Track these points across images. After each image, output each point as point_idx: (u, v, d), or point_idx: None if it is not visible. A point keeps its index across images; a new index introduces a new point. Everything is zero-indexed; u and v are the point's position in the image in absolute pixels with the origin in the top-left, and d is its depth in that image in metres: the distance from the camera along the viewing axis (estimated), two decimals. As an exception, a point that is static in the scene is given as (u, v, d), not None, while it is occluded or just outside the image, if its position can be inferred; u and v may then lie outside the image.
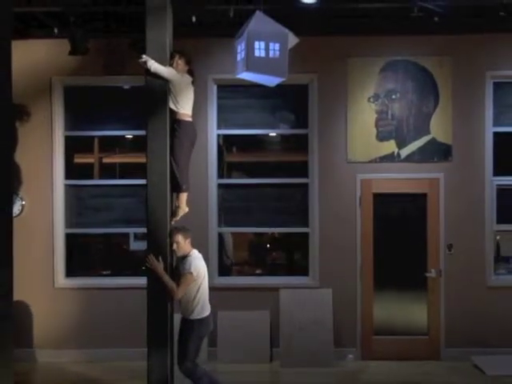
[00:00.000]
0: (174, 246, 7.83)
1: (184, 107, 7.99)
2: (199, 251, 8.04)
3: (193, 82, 8.17)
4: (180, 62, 8.02)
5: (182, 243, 7.84)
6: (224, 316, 10.18)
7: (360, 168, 10.40)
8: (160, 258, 7.72)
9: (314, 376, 9.53)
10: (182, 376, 7.93)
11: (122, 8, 9.08)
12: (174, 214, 8.08)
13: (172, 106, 7.94)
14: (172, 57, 7.99)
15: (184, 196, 8.11)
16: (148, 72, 7.77)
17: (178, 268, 7.93)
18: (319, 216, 10.39)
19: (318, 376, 9.55)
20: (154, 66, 7.70)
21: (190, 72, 8.16)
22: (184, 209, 8.13)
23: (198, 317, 7.79)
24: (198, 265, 7.79)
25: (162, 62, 7.84)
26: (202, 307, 7.83)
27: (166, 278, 7.67)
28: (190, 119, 8.10)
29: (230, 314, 10.19)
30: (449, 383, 9.21)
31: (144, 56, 7.73)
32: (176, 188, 8.05)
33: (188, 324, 7.81)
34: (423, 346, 10.33)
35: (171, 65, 7.93)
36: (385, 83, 10.40)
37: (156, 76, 7.77)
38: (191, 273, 7.66)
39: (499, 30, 9.96)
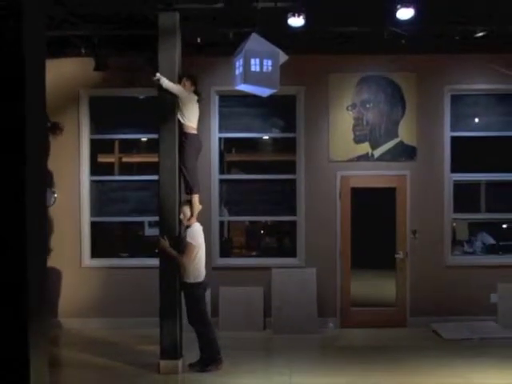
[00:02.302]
0: (181, 216, 7.94)
1: (190, 120, 8.02)
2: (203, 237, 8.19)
3: (198, 100, 8.20)
4: (187, 83, 8.07)
5: (188, 213, 7.94)
6: (224, 291, 10.22)
7: (340, 166, 10.42)
8: (165, 237, 7.82)
9: (301, 341, 9.57)
10: (191, 339, 8.07)
11: (138, 30, 9.10)
12: (191, 214, 8.04)
13: (180, 119, 7.98)
14: (180, 78, 8.04)
15: (196, 197, 8.14)
16: (160, 88, 7.81)
17: (180, 237, 8.04)
18: (305, 207, 10.43)
19: (304, 341, 9.59)
20: (165, 83, 7.76)
21: (196, 92, 8.19)
22: (198, 207, 8.16)
23: (195, 281, 7.94)
24: (196, 235, 7.94)
25: (172, 76, 7.92)
26: (199, 273, 7.97)
27: (173, 252, 7.82)
28: (195, 132, 8.13)
29: (230, 290, 10.21)
30: (413, 346, 9.25)
31: (158, 74, 7.78)
32: (188, 191, 8.07)
33: (187, 287, 7.95)
34: (392, 315, 10.38)
35: (179, 82, 7.99)
36: (360, 94, 10.43)
37: (167, 92, 7.83)
38: (190, 242, 7.81)
39: (455, 51, 9.97)
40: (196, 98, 8.16)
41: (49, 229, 9.99)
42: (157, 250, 8.22)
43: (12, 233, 3.69)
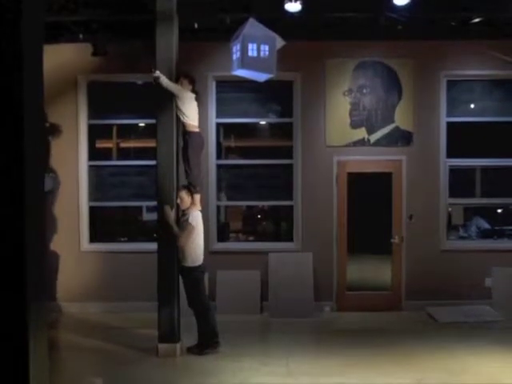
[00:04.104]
0: (178, 201, 7.95)
1: (191, 118, 7.96)
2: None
3: (196, 99, 8.15)
4: (184, 82, 8.01)
5: (186, 198, 7.95)
6: (222, 275, 10.24)
7: (336, 151, 10.43)
8: (173, 210, 7.87)
9: (297, 325, 9.60)
10: (189, 323, 8.14)
11: (136, 16, 9.06)
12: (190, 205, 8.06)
13: (181, 118, 7.92)
14: (178, 77, 7.99)
15: (198, 197, 8.11)
16: (158, 85, 7.75)
17: (180, 220, 8.03)
18: (302, 191, 10.44)
19: (300, 325, 9.62)
20: (164, 81, 7.71)
21: (194, 91, 8.14)
22: (198, 207, 8.13)
23: (193, 264, 7.97)
24: (196, 218, 7.94)
25: (170, 62, 7.87)
26: (196, 257, 8.00)
27: (175, 226, 7.84)
28: (197, 130, 8.10)
29: (227, 274, 10.24)
30: (408, 329, 9.30)
31: (157, 72, 7.70)
32: (190, 190, 8.05)
33: (186, 271, 8.00)
34: (387, 299, 10.42)
35: (177, 82, 7.93)
36: (357, 80, 10.41)
37: (164, 89, 7.76)
38: (190, 223, 7.83)
39: (451, 37, 9.95)
40: (194, 96, 8.11)
41: (48, 214, 9.98)
42: (155, 235, 8.21)
43: (10, 218, 3.69)
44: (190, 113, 7.97)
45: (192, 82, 8.14)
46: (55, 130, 10.28)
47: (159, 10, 7.91)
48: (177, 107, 7.93)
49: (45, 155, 8.76)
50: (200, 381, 7.18)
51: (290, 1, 8.18)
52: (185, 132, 7.98)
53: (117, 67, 10.21)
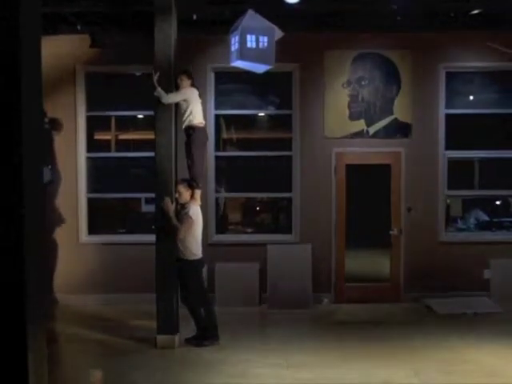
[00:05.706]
0: (177, 195, 7.94)
1: (197, 117, 7.97)
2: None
3: (199, 95, 8.13)
4: (183, 77, 7.99)
5: (184, 192, 7.94)
6: (221, 267, 10.23)
7: (335, 143, 10.42)
8: (174, 203, 7.87)
9: (296, 316, 9.61)
10: (188, 315, 8.16)
11: (134, 8, 9.02)
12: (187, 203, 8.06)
13: (188, 119, 7.89)
14: (177, 75, 7.96)
15: (198, 192, 8.10)
16: (161, 103, 7.78)
17: (179, 214, 8.02)
18: (301, 183, 10.43)
19: (298, 316, 9.63)
20: (168, 100, 7.74)
21: (193, 86, 8.11)
22: (198, 203, 8.12)
23: (193, 258, 7.98)
24: (196, 211, 7.93)
25: (168, 54, 7.84)
26: (196, 250, 8.01)
27: (174, 219, 7.83)
28: (202, 125, 8.09)
29: (226, 266, 10.23)
30: (407, 321, 9.33)
31: (158, 90, 7.72)
32: (192, 185, 8.04)
33: (187, 264, 7.98)
34: (386, 291, 10.43)
35: (176, 79, 7.92)
36: (356, 72, 10.39)
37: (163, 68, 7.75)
38: (190, 217, 7.83)
39: (451, 28, 9.91)
40: (197, 91, 8.09)
41: (46, 205, 9.96)
42: (154, 227, 8.19)
43: (9, 210, 3.68)
44: (197, 111, 7.98)
45: (190, 76, 8.12)
46: (53, 121, 10.27)
47: (158, 1, 7.88)
48: (181, 109, 7.93)
49: (44, 147, 8.74)
50: (199, 372, 7.17)
51: (289, -8, 8.15)
52: (189, 126, 7.96)
53: (115, 59, 10.17)
